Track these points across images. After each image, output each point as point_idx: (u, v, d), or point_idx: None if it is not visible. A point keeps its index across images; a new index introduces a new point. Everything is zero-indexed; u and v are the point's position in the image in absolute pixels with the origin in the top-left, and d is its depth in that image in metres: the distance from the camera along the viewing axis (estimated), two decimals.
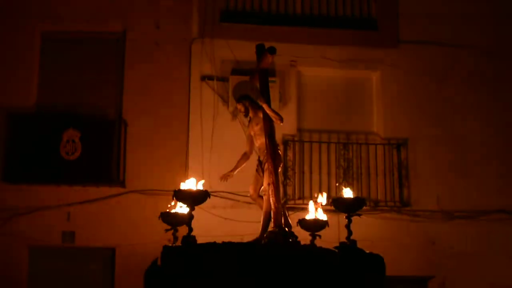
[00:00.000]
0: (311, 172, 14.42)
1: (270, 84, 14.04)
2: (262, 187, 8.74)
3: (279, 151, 8.79)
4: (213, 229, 12.54)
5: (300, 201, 13.66)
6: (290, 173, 14.34)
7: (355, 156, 14.72)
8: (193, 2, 15.07)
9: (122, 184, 14.17)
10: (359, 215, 8.23)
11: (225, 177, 9.29)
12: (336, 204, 8.25)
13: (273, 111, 8.77)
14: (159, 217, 8.44)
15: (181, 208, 8.41)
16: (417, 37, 15.48)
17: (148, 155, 14.26)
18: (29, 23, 14.90)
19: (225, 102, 14.44)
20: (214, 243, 7.85)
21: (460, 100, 15.19)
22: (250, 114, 9.05)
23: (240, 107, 9.17)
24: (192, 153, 14.32)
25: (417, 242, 14.33)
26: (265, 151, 8.68)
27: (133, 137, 14.43)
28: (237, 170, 9.22)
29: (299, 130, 14.77)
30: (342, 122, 15.05)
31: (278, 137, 14.12)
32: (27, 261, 14.14)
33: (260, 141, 8.85)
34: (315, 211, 8.78)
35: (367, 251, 8.18)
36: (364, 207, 14.11)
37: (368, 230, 13.94)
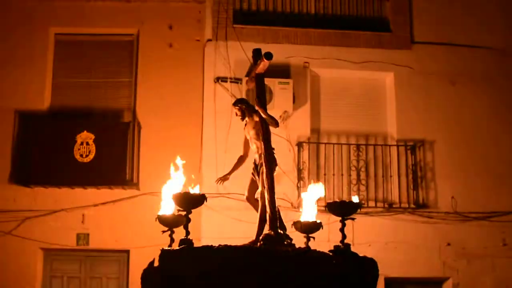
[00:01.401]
0: (325, 174, 14.38)
1: (283, 86, 14.31)
2: (258, 190, 8.73)
3: (275, 154, 8.76)
4: (227, 231, 12.56)
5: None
6: (304, 175, 14.32)
7: (369, 158, 14.70)
8: (206, 4, 15.07)
9: (136, 186, 14.18)
10: (353, 219, 8.21)
11: (220, 180, 9.30)
12: (330, 208, 8.25)
13: (269, 115, 8.72)
14: (156, 219, 8.43)
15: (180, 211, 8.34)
16: (430, 38, 15.44)
17: (162, 157, 14.19)
18: (42, 25, 14.97)
19: None
20: (211, 246, 7.88)
21: (475, 101, 15.12)
22: (246, 118, 9.04)
23: (236, 110, 9.15)
24: (206, 154, 14.32)
25: (431, 243, 14.29)
26: (261, 155, 8.67)
27: (146, 139, 14.45)
28: (233, 173, 9.21)
29: (313, 131, 14.74)
30: (356, 123, 15.03)
31: (293, 138, 14.28)
32: (41, 263, 14.20)
33: (256, 144, 8.83)
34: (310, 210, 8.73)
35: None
36: (379, 209, 14.31)
37: (382, 231, 14.00)
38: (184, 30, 15.03)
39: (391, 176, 14.63)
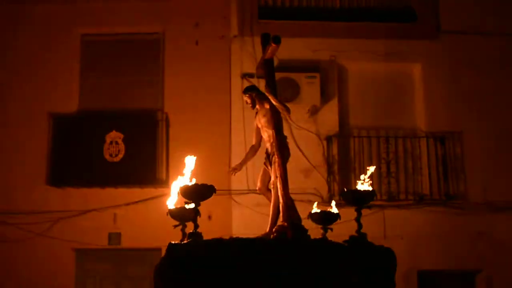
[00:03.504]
0: (355, 168, 14.32)
1: (310, 80, 14.22)
2: (270, 180, 8.60)
3: (287, 143, 8.64)
4: (257, 227, 12.50)
5: None
6: (334, 169, 14.28)
7: (399, 150, 14.61)
8: (231, 0, 15.05)
9: (166, 184, 14.19)
10: (369, 207, 8.06)
11: (233, 170, 9.24)
12: (346, 197, 8.11)
13: (280, 102, 8.58)
14: (167, 214, 8.38)
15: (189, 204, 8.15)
16: (458, 27, 15.25)
17: (192, 154, 14.23)
18: (69, 26, 15.04)
19: None
20: (220, 239, 7.79)
21: (506, 90, 14.94)
22: (257, 106, 8.92)
23: (246, 98, 9.04)
24: (234, 150, 14.27)
25: (463, 235, 14.15)
26: (273, 144, 8.54)
27: (175, 136, 14.46)
28: (245, 164, 9.13)
29: (342, 125, 14.68)
30: (384, 116, 14.91)
31: (322, 132, 14.24)
32: (73, 263, 14.28)
33: (267, 133, 8.69)
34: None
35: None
36: (410, 201, 14.22)
37: (414, 224, 13.91)
38: (209, 27, 15.03)
39: (421, 168, 14.55)
